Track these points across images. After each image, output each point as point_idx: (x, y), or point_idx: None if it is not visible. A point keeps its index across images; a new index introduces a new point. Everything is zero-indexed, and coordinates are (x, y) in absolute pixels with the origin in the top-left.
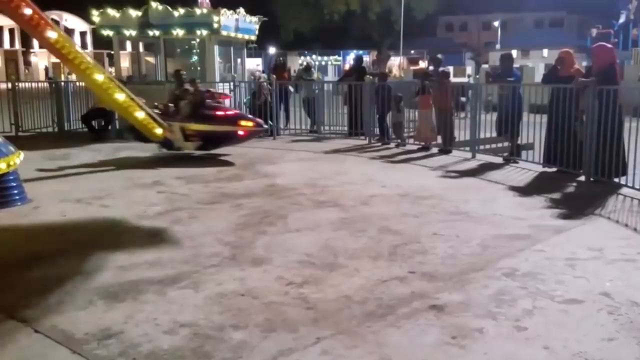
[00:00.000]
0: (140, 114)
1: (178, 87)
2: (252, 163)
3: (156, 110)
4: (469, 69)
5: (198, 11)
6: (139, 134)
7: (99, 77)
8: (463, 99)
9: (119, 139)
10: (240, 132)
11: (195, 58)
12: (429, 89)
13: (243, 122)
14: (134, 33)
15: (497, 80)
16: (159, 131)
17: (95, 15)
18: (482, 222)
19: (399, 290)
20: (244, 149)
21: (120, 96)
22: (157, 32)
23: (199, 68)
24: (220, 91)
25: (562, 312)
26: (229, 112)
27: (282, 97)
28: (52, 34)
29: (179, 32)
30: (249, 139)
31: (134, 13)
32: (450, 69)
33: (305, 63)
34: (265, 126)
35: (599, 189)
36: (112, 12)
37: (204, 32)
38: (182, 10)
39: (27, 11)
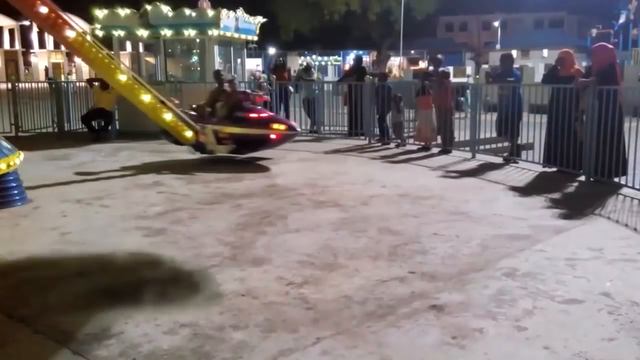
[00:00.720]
0: (167, 116)
1: (218, 88)
2: (252, 163)
3: (192, 112)
4: (469, 69)
5: (198, 11)
6: (173, 137)
7: (122, 77)
8: (461, 99)
9: (119, 139)
10: (272, 136)
11: (195, 58)
12: (429, 89)
13: (275, 125)
14: (134, 33)
15: (497, 81)
16: (188, 134)
17: (95, 15)
18: (482, 222)
19: (399, 291)
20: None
21: (146, 97)
22: (157, 33)
23: (198, 68)
24: (256, 92)
25: (562, 312)
26: (262, 115)
27: (282, 97)
28: (70, 33)
29: (179, 33)
30: (282, 143)
31: (135, 13)
32: (450, 69)
33: (305, 63)
34: (298, 130)
35: (599, 189)
36: (112, 12)
37: (204, 33)
38: (182, 11)
39: (43, 9)
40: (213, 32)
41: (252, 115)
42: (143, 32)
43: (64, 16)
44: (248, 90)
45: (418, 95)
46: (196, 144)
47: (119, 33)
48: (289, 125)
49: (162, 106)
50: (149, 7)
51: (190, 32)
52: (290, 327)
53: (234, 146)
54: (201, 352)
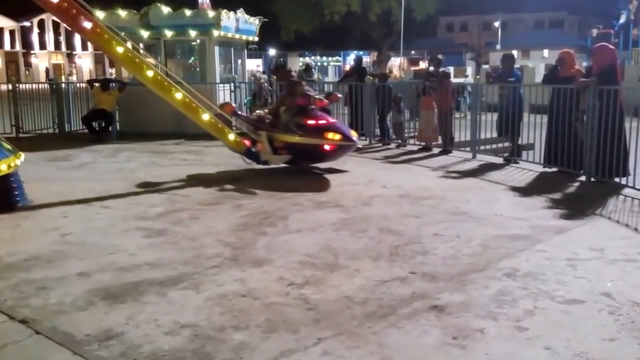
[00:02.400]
0: (205, 116)
1: (288, 90)
2: (252, 164)
3: (256, 117)
4: (469, 70)
5: (199, 12)
6: (250, 153)
7: (149, 73)
8: (461, 99)
9: (119, 140)
10: (327, 147)
11: (196, 59)
12: (429, 90)
13: (330, 135)
14: (134, 34)
15: (497, 81)
16: (231, 137)
17: (95, 16)
18: (482, 223)
19: (399, 291)
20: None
21: (178, 95)
22: (157, 34)
23: (198, 69)
24: (319, 96)
25: (563, 312)
26: (320, 122)
27: None
28: (87, 24)
29: (179, 34)
30: (338, 155)
31: (135, 14)
32: (451, 69)
33: (305, 63)
34: (355, 140)
35: (600, 189)
36: (112, 13)
37: (205, 34)
38: (182, 12)
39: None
40: (213, 33)
41: (310, 121)
42: (143, 33)
43: (78, 6)
44: (311, 92)
45: (420, 95)
46: (248, 152)
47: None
48: (344, 134)
49: (197, 105)
50: (149, 8)
51: (190, 33)
52: (291, 328)
53: (290, 157)
54: (202, 352)
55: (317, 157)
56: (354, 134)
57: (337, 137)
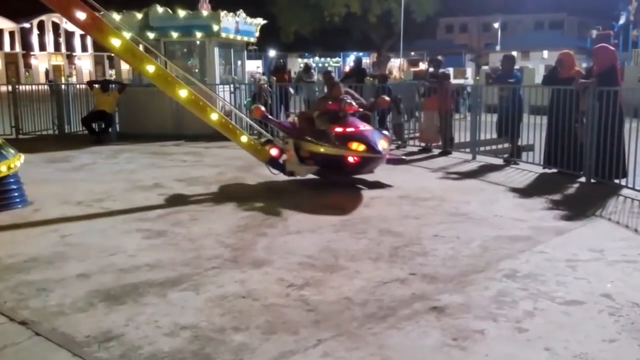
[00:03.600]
0: (214, 115)
1: (329, 93)
2: (252, 165)
3: (289, 122)
4: (469, 71)
5: (198, 14)
6: (274, 162)
7: (150, 67)
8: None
9: (119, 142)
10: (350, 159)
11: (195, 60)
12: (429, 91)
13: (354, 145)
14: (134, 35)
15: (497, 82)
16: (244, 139)
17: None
18: (482, 224)
19: (399, 292)
20: (243, 150)
21: (183, 92)
22: (157, 35)
23: (197, 70)
24: (349, 100)
25: (563, 313)
26: (348, 129)
27: (282, 99)
28: (150, 68)
29: (179, 35)
30: (364, 169)
31: (135, 15)
32: (451, 70)
33: (304, 64)
34: (381, 150)
35: (600, 190)
36: (112, 14)
37: (204, 35)
38: (182, 13)
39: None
40: (213, 34)
41: (337, 129)
42: (143, 34)
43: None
44: (349, 95)
45: (425, 96)
46: (272, 160)
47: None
48: (370, 144)
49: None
50: (149, 10)
51: (190, 34)
52: (291, 329)
53: (317, 168)
54: (202, 354)
55: (341, 170)
56: (382, 145)
57: (362, 147)
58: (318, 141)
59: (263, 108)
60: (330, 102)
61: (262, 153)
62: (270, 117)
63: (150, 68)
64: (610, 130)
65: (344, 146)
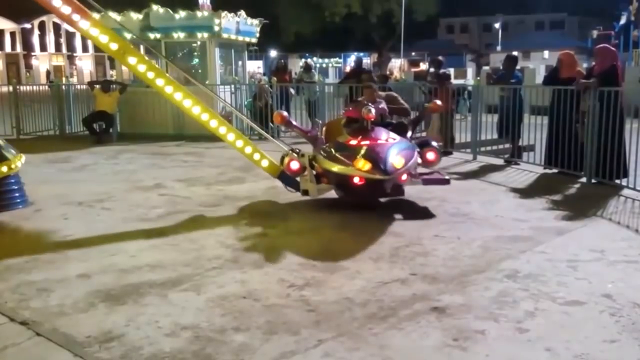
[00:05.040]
0: (213, 122)
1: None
2: (253, 166)
3: (315, 131)
4: (470, 71)
5: (199, 14)
6: (285, 177)
7: (138, 65)
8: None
9: (120, 142)
10: (356, 180)
11: (196, 61)
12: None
13: (360, 164)
14: (135, 36)
15: (498, 82)
16: (248, 149)
17: (96, 18)
18: (483, 224)
19: (400, 292)
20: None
21: (178, 95)
22: (158, 35)
23: (199, 71)
24: (382, 105)
25: (563, 313)
26: (363, 142)
27: (283, 99)
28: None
29: (180, 35)
30: (372, 194)
31: (136, 16)
32: (451, 70)
33: (304, 63)
34: (390, 171)
35: (600, 191)
36: (113, 15)
37: (205, 35)
38: (183, 13)
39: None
40: (214, 35)
41: (352, 141)
42: (144, 35)
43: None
44: (383, 100)
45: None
46: (282, 176)
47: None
48: (377, 163)
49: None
50: (150, 10)
51: (191, 35)
52: (291, 329)
53: (331, 188)
54: (203, 354)
55: (351, 193)
56: (396, 163)
57: (367, 166)
58: (329, 156)
59: (285, 113)
60: (351, 109)
61: (271, 168)
62: (294, 123)
63: (141, 67)
64: (611, 131)
65: (351, 163)
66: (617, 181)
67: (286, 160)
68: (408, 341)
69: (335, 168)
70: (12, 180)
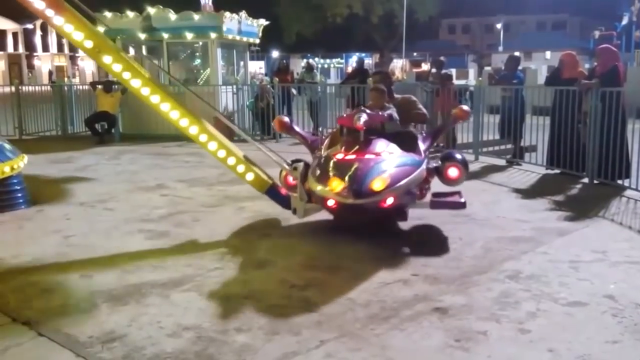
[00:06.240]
0: (193, 129)
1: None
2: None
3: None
4: (472, 72)
5: (201, 15)
6: (273, 194)
7: (113, 64)
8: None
9: (122, 142)
10: (330, 202)
11: (198, 61)
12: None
13: (334, 183)
14: (137, 36)
15: (500, 82)
16: (231, 160)
17: (98, 18)
18: (485, 225)
19: (402, 293)
20: (245, 151)
21: (155, 98)
22: (160, 36)
23: (201, 71)
24: (389, 112)
25: (566, 314)
26: (348, 157)
27: (285, 99)
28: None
29: (181, 36)
30: (348, 218)
31: (137, 17)
32: (453, 71)
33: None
34: (364, 195)
35: (603, 191)
36: (115, 15)
37: (207, 36)
38: (185, 14)
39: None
40: (216, 35)
41: (338, 155)
42: (146, 35)
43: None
44: (393, 107)
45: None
46: (270, 191)
47: (122, 36)
48: (350, 183)
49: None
50: (152, 10)
51: (193, 35)
52: (293, 330)
53: (320, 209)
54: (205, 354)
55: (331, 215)
56: (377, 185)
57: (339, 187)
58: (313, 172)
59: (286, 119)
60: (345, 115)
61: (258, 182)
62: (296, 129)
63: (116, 67)
64: (613, 131)
65: (326, 183)
66: (620, 182)
67: (283, 173)
68: (410, 342)
69: (316, 187)
70: (15, 181)
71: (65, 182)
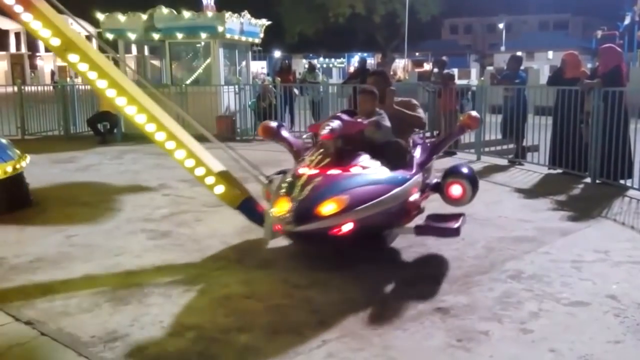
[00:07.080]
0: (159, 135)
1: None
2: (257, 166)
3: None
4: (474, 72)
5: (203, 14)
6: (247, 210)
7: (79, 63)
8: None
9: (124, 142)
10: (276, 227)
11: (200, 61)
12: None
13: (280, 205)
14: (139, 37)
15: (502, 82)
16: (199, 171)
17: (100, 18)
18: (487, 225)
19: (404, 293)
20: (246, 151)
21: (121, 100)
22: (162, 36)
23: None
24: (330, 123)
25: (568, 314)
26: (313, 171)
27: (287, 99)
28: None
29: (184, 36)
30: (301, 243)
31: (140, 17)
32: (455, 71)
33: (308, 63)
34: (299, 227)
35: (605, 191)
36: (117, 15)
37: (209, 36)
38: (187, 14)
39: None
40: (218, 35)
41: (301, 169)
42: (148, 36)
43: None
44: (384, 113)
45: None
46: (243, 206)
47: (124, 36)
48: (293, 206)
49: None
50: (154, 11)
51: (195, 35)
52: (295, 330)
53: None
54: (207, 354)
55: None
56: (328, 209)
57: (282, 211)
58: (276, 189)
59: (272, 124)
60: (314, 124)
61: (228, 196)
62: (284, 134)
63: (82, 66)
64: (616, 131)
65: (274, 204)
66: (622, 181)
67: (264, 187)
68: (412, 342)
69: (269, 208)
70: (17, 181)
71: (67, 182)
